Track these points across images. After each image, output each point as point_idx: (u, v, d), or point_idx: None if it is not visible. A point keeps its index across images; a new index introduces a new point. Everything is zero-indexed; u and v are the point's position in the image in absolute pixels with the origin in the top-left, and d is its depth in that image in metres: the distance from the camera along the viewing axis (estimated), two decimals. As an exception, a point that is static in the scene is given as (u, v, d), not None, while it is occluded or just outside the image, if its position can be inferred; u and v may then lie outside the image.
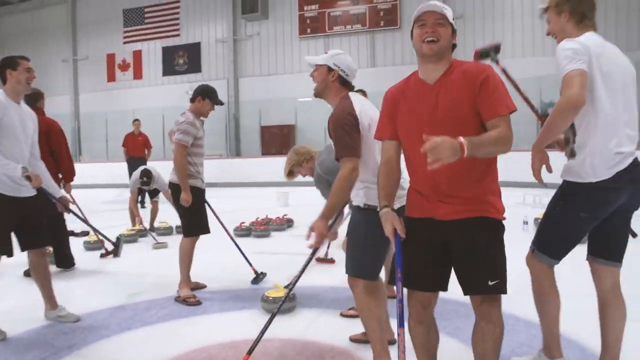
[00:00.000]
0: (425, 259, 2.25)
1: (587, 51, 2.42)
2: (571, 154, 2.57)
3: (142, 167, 7.79)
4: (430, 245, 2.24)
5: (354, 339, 3.39)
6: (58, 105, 22.10)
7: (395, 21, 17.68)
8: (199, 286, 4.78)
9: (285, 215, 8.27)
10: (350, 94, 2.92)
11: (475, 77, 2.13)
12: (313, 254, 2.94)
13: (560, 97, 2.38)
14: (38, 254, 3.85)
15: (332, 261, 5.47)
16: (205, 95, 4.55)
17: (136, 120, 12.29)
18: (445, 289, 2.30)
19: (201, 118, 4.62)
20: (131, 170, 9.72)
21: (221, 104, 4.79)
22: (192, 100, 4.60)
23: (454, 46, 2.27)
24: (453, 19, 2.21)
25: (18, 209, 3.62)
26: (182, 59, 20.67)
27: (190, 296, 4.40)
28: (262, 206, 10.39)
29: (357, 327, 3.38)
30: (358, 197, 2.83)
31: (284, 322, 3.69)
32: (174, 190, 4.46)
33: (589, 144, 2.47)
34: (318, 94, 3.01)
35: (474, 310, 2.29)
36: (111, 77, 22.07)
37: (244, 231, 7.35)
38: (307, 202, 10.83)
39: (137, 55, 21.41)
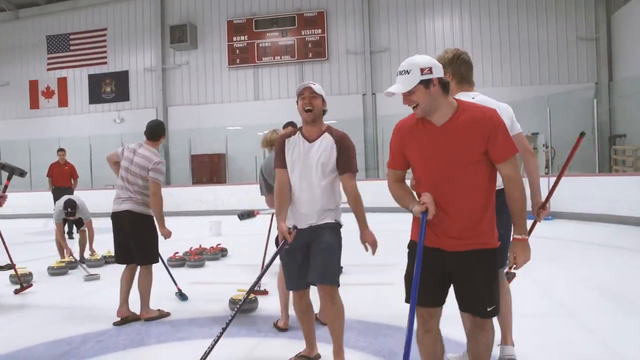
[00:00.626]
0: (430, 280, 2.55)
1: None
2: None
3: (65, 197, 7.63)
4: (435, 270, 2.57)
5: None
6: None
7: (323, 53, 18.25)
8: (162, 314, 4.93)
9: (219, 244, 8.35)
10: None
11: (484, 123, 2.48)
12: (272, 259, 3.31)
13: (532, 156, 3.13)
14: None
15: (265, 292, 5.60)
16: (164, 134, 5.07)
17: (61, 150, 12.03)
18: (444, 303, 2.66)
19: None
20: (57, 200, 9.54)
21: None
22: (156, 137, 4.99)
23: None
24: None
25: None
26: (109, 87, 20.38)
27: (159, 312, 4.79)
28: (195, 236, 10.41)
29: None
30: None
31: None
32: (136, 220, 4.71)
33: None
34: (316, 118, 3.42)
35: (467, 319, 2.77)
36: (34, 104, 21.43)
37: (178, 261, 7.38)
38: (239, 231, 11.06)
39: (62, 82, 20.93)
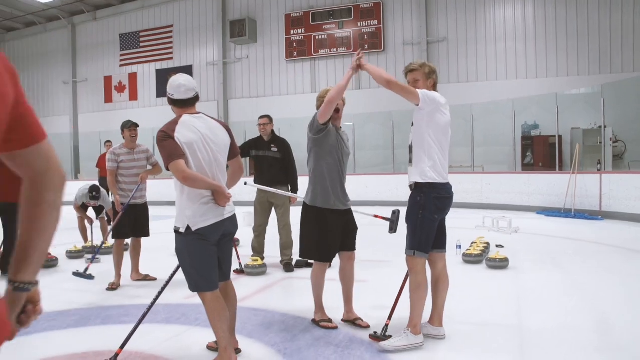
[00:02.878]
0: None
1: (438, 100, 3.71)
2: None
3: (91, 183, 7.93)
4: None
5: (210, 347, 3.75)
6: (58, 125, 22.75)
7: (379, 44, 18.01)
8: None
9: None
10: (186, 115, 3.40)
11: None
12: None
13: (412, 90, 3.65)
14: None
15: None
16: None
17: (108, 141, 12.60)
18: None
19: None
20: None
21: (127, 125, 5.44)
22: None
23: None
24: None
25: None
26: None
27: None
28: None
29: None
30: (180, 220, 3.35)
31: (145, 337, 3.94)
32: None
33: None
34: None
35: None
36: (108, 99, 22.69)
37: None
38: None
39: (133, 77, 22.01)
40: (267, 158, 6.59)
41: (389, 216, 4.25)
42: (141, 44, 21.86)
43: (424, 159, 3.62)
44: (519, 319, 4.29)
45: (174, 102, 3.43)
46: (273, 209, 6.73)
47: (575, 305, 4.67)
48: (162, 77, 21.41)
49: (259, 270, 6.28)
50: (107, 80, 22.77)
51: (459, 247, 7.12)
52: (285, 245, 6.65)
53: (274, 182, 6.41)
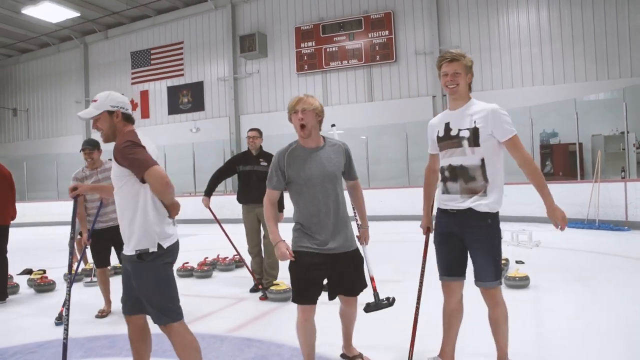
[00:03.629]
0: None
1: None
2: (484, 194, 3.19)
3: None
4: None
5: None
6: (71, 144, 22.80)
7: (391, 55, 17.72)
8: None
9: (236, 255, 8.01)
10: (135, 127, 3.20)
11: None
12: None
13: (529, 158, 3.20)
14: None
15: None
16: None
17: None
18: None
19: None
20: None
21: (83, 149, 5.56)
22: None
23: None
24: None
25: None
26: (186, 98, 21.12)
27: None
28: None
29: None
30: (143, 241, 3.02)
31: None
32: None
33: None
34: (109, 139, 3.11)
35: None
36: (121, 117, 22.46)
37: (186, 272, 7.48)
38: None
39: (145, 95, 22.03)
40: (256, 172, 6.29)
41: (383, 299, 3.91)
42: (152, 62, 21.84)
43: (500, 187, 3.23)
44: (540, 348, 3.87)
45: (127, 118, 3.16)
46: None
47: (607, 330, 4.20)
48: (174, 94, 21.38)
49: (284, 295, 5.70)
50: (120, 98, 22.71)
51: None
52: (272, 265, 6.28)
53: (262, 197, 6.08)
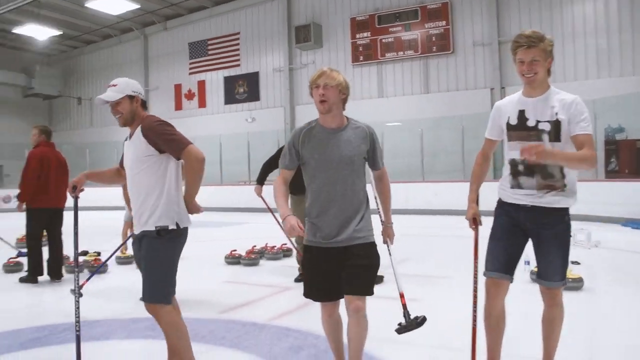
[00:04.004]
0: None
1: None
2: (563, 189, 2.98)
3: None
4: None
5: None
6: (131, 133, 23.42)
7: (448, 46, 17.50)
8: None
9: (284, 244, 8.28)
10: None
11: None
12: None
13: (591, 155, 2.79)
14: None
15: None
16: None
17: None
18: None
19: None
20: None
21: None
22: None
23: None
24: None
25: None
26: (242, 88, 21.48)
27: None
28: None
29: None
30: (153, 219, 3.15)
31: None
32: None
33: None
34: (127, 123, 3.26)
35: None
36: (178, 106, 23.33)
37: (234, 259, 7.74)
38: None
39: (201, 85, 22.51)
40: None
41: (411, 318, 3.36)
42: (209, 52, 22.31)
43: (575, 182, 3.01)
44: (589, 356, 3.77)
45: (144, 104, 3.34)
46: None
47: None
48: (230, 84, 21.79)
49: None
50: (177, 88, 23.42)
51: (528, 263, 6.38)
52: None
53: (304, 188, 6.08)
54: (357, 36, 18.97)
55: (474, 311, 3.27)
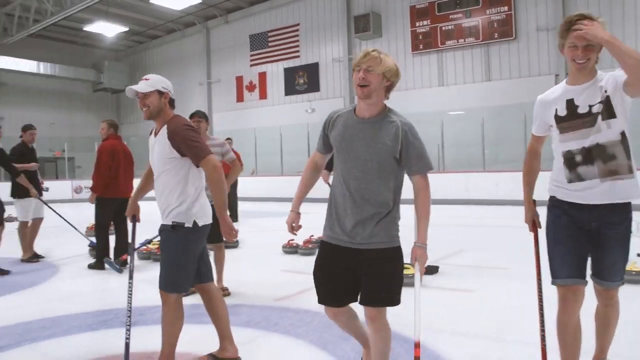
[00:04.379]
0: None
1: None
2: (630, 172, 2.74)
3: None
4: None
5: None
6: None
7: (510, 32, 17.31)
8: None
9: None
10: None
11: None
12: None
13: None
14: None
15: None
16: None
17: (228, 138, 13.00)
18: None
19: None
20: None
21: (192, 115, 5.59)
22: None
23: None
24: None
25: None
26: (302, 79, 21.89)
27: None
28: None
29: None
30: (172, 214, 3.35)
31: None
32: None
33: None
34: (152, 117, 3.38)
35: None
36: (240, 98, 23.99)
37: (291, 249, 8.06)
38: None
39: (262, 76, 23.06)
40: None
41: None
42: (269, 44, 22.84)
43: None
44: None
45: (171, 102, 3.45)
46: None
47: None
48: (290, 75, 22.25)
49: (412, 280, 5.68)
50: (239, 80, 24.12)
51: None
52: None
53: None
54: (417, 24, 19.00)
55: (542, 330, 3.03)
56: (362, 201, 2.66)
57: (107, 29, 23.46)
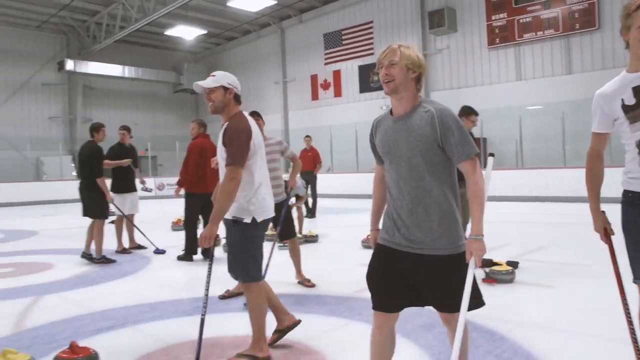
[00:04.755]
0: None
1: None
2: None
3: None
4: None
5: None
6: (271, 122, 25.33)
7: (592, 22, 16.88)
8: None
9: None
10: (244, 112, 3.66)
11: None
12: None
13: None
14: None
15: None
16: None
17: (307, 136, 13.45)
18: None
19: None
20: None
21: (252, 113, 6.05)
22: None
23: None
24: None
25: None
26: (376, 76, 21.88)
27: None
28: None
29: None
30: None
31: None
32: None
33: None
34: (217, 111, 3.57)
35: None
36: (315, 96, 24.60)
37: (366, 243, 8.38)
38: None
39: (337, 74, 23.53)
40: None
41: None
42: (343, 42, 23.27)
43: None
44: None
45: (237, 98, 3.59)
46: None
47: None
48: (364, 73, 22.61)
49: (507, 276, 5.64)
50: (313, 78, 24.73)
51: None
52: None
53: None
54: (493, 18, 18.85)
55: (634, 341, 2.85)
56: (416, 202, 2.54)
57: (187, 33, 24.66)
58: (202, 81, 3.51)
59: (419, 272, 2.55)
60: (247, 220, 3.47)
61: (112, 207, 8.07)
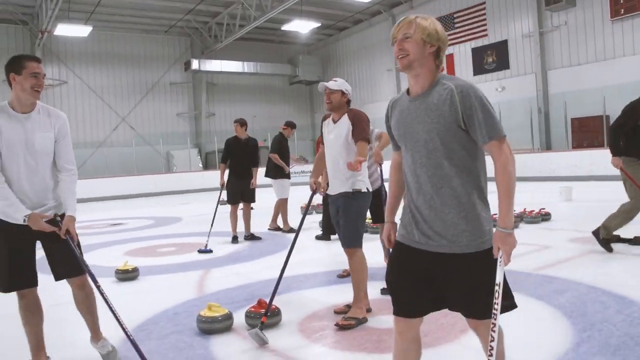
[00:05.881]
0: None
1: None
2: None
3: None
4: None
5: (338, 311, 4.40)
6: (383, 110, 25.99)
7: None
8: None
9: (543, 209, 9.18)
10: None
11: None
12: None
13: None
14: (76, 284, 3.44)
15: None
16: None
17: None
18: None
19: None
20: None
21: None
22: None
23: None
24: None
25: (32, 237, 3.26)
26: (490, 58, 22.23)
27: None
28: (541, 201, 11.30)
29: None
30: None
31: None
32: None
33: None
34: (333, 109, 4.38)
35: None
36: (428, 81, 24.76)
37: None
38: (592, 197, 11.33)
39: (450, 58, 23.90)
40: None
41: None
42: (456, 25, 23.51)
43: None
44: None
45: (347, 102, 4.39)
46: None
47: None
48: (478, 55, 22.76)
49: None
50: (426, 63, 25.01)
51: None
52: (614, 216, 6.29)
53: None
54: (617, -12, 18.26)
55: None
56: (435, 191, 2.29)
57: (302, 26, 25.95)
58: (327, 82, 4.33)
59: (439, 274, 2.32)
60: (364, 190, 4.28)
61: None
